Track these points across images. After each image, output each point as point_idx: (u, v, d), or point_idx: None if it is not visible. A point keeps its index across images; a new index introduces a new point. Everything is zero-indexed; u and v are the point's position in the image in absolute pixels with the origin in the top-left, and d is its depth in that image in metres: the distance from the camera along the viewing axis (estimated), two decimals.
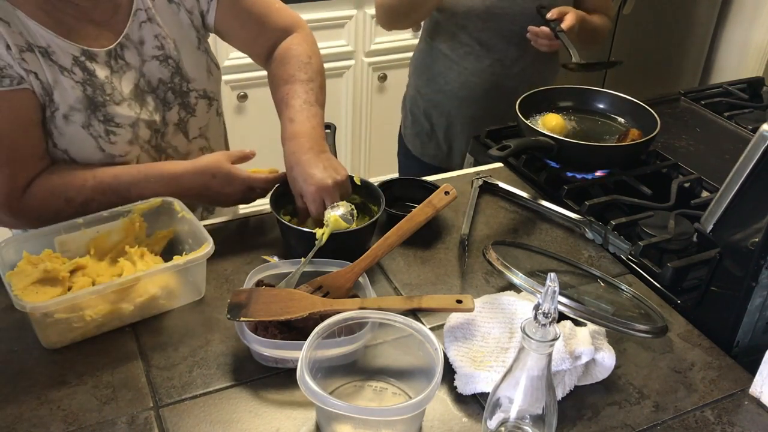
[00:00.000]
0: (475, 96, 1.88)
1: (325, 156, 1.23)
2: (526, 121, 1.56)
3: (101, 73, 1.19)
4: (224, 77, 2.54)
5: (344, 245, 1.19)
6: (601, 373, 1.03)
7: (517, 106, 1.60)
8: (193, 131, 1.33)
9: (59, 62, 1.16)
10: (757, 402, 1.03)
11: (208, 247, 1.10)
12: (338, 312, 0.99)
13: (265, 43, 1.40)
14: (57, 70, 1.15)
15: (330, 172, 1.20)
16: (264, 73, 2.84)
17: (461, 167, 1.94)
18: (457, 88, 1.88)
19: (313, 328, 0.95)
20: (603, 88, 1.76)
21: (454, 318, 1.08)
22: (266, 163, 1.33)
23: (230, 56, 2.51)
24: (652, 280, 1.26)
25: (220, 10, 1.33)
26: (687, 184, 1.51)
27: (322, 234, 1.17)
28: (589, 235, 1.36)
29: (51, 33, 1.15)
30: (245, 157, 1.29)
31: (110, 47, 1.21)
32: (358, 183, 1.32)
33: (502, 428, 0.89)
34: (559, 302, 0.98)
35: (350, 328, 0.99)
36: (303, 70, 1.34)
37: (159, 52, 1.26)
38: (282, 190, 1.28)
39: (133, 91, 1.23)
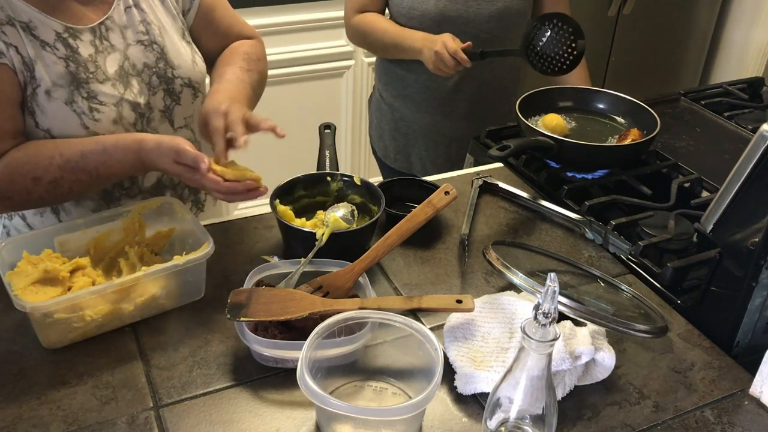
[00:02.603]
0: (432, 101, 1.87)
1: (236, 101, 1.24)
2: (526, 121, 1.56)
3: (85, 51, 1.19)
4: None
5: (344, 245, 1.19)
6: (601, 373, 1.03)
7: (517, 106, 1.60)
8: (178, 120, 1.33)
9: (41, 37, 1.15)
10: (757, 402, 1.03)
11: (208, 247, 1.10)
12: (338, 312, 0.99)
13: None
14: (38, 45, 1.15)
15: (226, 105, 1.20)
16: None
17: (421, 172, 1.94)
18: (414, 92, 1.88)
19: (313, 328, 0.95)
20: (603, 88, 1.76)
21: (454, 318, 1.08)
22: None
23: None
24: (652, 280, 1.26)
25: (198, 15, 1.36)
26: (687, 184, 1.51)
27: (322, 234, 1.17)
28: (589, 235, 1.36)
29: (33, 8, 1.15)
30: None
31: (93, 25, 1.21)
32: (358, 183, 1.32)
33: (502, 428, 0.89)
34: (559, 302, 0.98)
35: (350, 328, 0.99)
36: (246, 63, 1.37)
37: (144, 37, 1.26)
38: (282, 189, 1.28)
39: (118, 72, 1.23)
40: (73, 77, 1.18)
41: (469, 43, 1.64)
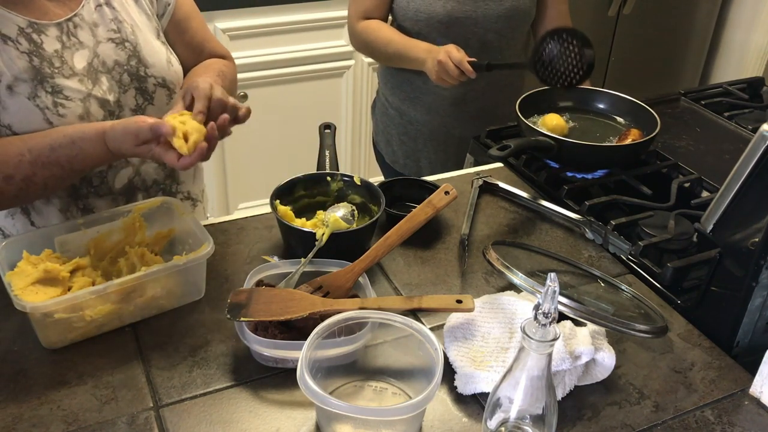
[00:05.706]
0: (441, 102, 1.87)
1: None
2: (526, 121, 1.56)
3: (50, 46, 1.17)
4: None
5: (344, 245, 1.19)
6: (601, 373, 1.03)
7: (517, 106, 1.60)
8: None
9: (2, 31, 1.14)
10: (757, 402, 1.03)
11: (208, 247, 1.10)
12: (338, 312, 0.99)
13: None
14: (0, 40, 1.14)
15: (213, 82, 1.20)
16: (265, 73, 2.83)
17: (431, 176, 1.93)
18: (423, 94, 1.87)
19: (313, 328, 0.95)
20: (603, 88, 1.76)
21: (454, 318, 1.08)
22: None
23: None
24: (652, 280, 1.26)
25: (172, 22, 1.35)
26: (687, 184, 1.51)
27: (322, 234, 1.17)
28: (589, 235, 1.36)
29: None
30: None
31: (60, 20, 1.19)
32: (358, 183, 1.32)
33: (502, 428, 0.89)
34: (559, 302, 0.98)
35: (350, 328, 0.99)
36: (221, 80, 1.34)
37: (115, 35, 1.24)
38: (282, 189, 1.28)
39: (86, 68, 1.21)
40: (37, 72, 1.15)
41: (474, 59, 1.63)
